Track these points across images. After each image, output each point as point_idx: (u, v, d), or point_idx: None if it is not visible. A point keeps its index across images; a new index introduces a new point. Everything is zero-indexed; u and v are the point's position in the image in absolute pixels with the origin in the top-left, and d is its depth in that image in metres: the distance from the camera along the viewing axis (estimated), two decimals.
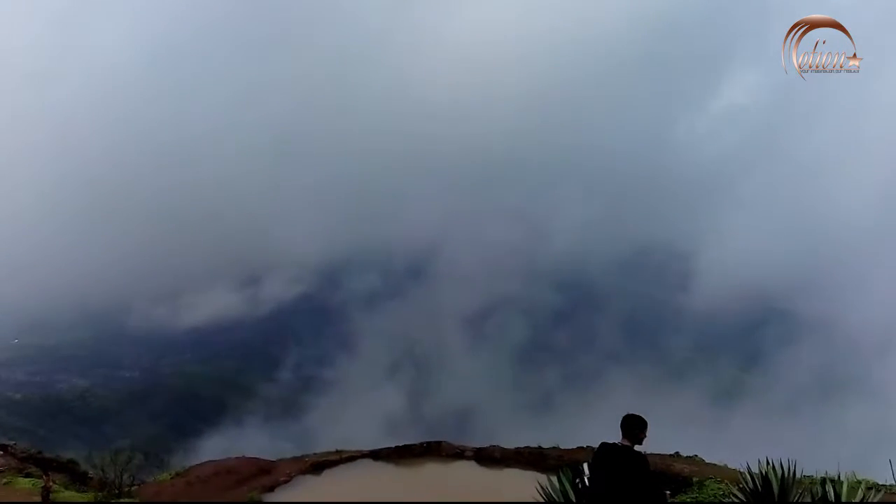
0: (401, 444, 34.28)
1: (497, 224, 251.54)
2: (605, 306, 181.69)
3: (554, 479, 11.61)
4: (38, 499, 28.11)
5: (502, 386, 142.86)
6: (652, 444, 9.62)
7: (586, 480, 10.10)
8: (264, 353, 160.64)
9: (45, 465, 35.55)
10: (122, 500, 27.03)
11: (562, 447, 32.29)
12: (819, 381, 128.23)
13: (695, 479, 24.16)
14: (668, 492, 9.64)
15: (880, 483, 16.13)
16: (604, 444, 9.13)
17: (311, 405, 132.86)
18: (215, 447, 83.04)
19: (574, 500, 10.94)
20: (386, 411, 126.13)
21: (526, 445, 33.15)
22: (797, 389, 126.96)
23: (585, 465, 9.75)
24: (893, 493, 12.94)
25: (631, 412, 9.26)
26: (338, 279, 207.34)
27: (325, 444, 40.18)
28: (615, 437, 9.19)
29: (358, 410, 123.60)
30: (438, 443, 34.36)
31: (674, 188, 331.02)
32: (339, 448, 35.83)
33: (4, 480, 28.78)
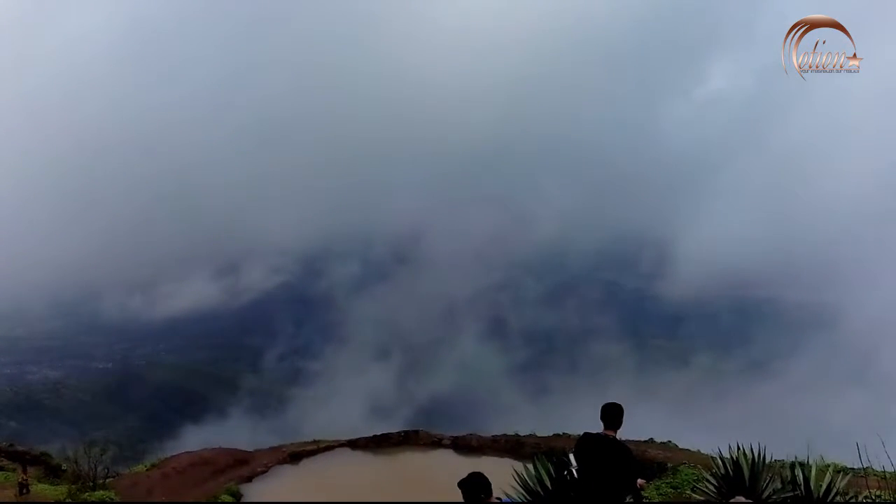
0: (379, 434, 34.38)
1: (480, 212, 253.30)
2: (585, 293, 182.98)
3: (530, 466, 11.71)
4: (11, 492, 27.86)
5: (485, 372, 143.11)
6: (628, 431, 9.68)
7: (574, 472, 10.14)
8: (242, 342, 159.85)
9: (18, 459, 35.16)
10: (96, 494, 26.78)
11: (538, 434, 32.55)
12: (798, 367, 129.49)
13: (669, 465, 24.50)
14: (642, 480, 9.68)
15: (848, 467, 16.43)
16: (588, 435, 9.14)
17: (292, 396, 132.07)
18: (193, 439, 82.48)
19: (550, 488, 11.05)
20: (369, 399, 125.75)
21: (503, 433, 33.37)
22: (774, 375, 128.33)
23: (571, 456, 9.71)
24: (861, 476, 13.23)
25: (610, 402, 9.28)
26: (319, 267, 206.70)
27: (309, 434, 40.11)
28: (595, 421, 9.21)
29: (341, 400, 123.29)
30: (416, 431, 34.51)
31: (656, 176, 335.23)
32: (316, 438, 35.81)
33: None
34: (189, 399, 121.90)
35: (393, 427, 35.85)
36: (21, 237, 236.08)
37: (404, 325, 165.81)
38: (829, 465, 13.05)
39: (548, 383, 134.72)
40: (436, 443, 33.40)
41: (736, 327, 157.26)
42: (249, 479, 29.69)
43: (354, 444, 33.64)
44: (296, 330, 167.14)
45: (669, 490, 21.00)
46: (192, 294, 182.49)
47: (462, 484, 7.79)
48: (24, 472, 29.07)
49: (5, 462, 35.73)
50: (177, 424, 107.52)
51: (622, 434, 9.23)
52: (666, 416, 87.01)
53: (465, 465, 30.94)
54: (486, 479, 7.81)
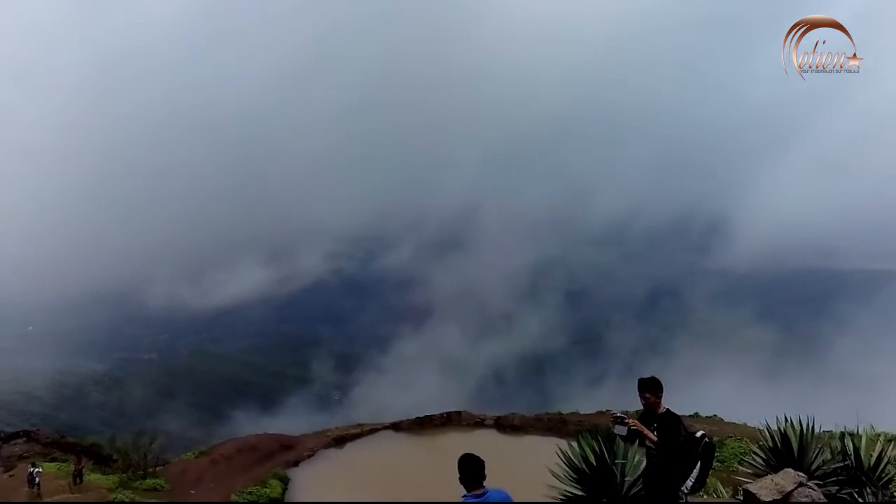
0: (421, 416, 34.59)
1: (547, 185, 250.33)
2: (645, 268, 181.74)
3: (573, 443, 11.65)
4: (65, 482, 28.62)
5: (544, 348, 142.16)
6: (679, 406, 9.47)
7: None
8: (287, 330, 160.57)
9: (70, 450, 36.13)
10: (146, 482, 27.38)
11: (581, 412, 32.51)
12: (859, 338, 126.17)
13: (715, 439, 24.28)
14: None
15: None
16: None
17: (342, 382, 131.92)
18: (244, 427, 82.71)
19: (595, 465, 11.01)
20: (427, 381, 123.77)
21: (545, 411, 33.40)
22: (833, 347, 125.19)
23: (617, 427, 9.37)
24: None
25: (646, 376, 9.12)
26: (372, 251, 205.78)
27: (360, 419, 40.31)
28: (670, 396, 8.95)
29: (395, 384, 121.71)
30: (458, 412, 34.68)
31: (729, 148, 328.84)
32: (360, 422, 36.18)
33: (29, 465, 29.21)
34: (236, 387, 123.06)
35: (448, 410, 35.61)
36: (62, 232, 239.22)
37: (461, 306, 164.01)
38: (879, 435, 12.81)
39: (606, 358, 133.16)
40: (478, 423, 33.58)
41: (796, 300, 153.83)
42: (296, 464, 30.13)
43: (398, 427, 33.92)
44: (346, 315, 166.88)
45: (716, 464, 20.84)
46: (242, 283, 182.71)
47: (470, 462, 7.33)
48: (79, 462, 29.85)
49: (58, 454, 36.73)
50: (224, 413, 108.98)
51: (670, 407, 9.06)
52: (728, 391, 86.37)
53: (508, 444, 31.10)
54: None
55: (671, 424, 8.57)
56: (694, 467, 8.56)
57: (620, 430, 8.74)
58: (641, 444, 8.97)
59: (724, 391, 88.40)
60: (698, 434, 8.70)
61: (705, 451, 8.63)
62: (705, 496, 9.62)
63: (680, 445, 8.52)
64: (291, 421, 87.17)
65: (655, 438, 8.54)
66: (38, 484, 27.54)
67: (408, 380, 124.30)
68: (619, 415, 8.80)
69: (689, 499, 8.76)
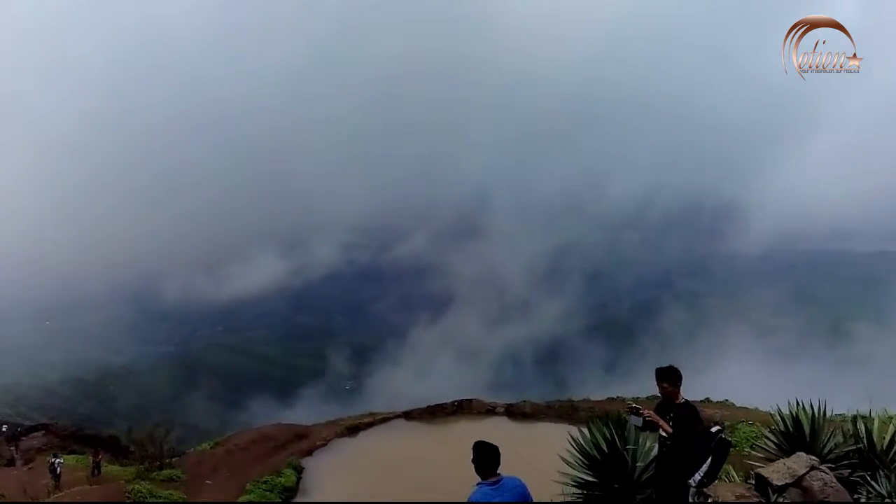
0: (433, 404, 34.75)
1: (562, 170, 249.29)
2: (660, 252, 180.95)
3: (586, 430, 11.66)
4: (84, 473, 28.98)
5: (558, 335, 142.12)
6: (691, 391, 9.41)
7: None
8: (300, 321, 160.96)
9: (88, 442, 36.58)
10: (163, 472, 27.66)
11: (592, 399, 32.56)
12: (876, 321, 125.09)
13: (726, 423, 24.26)
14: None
15: None
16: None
17: (355, 372, 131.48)
18: (258, 417, 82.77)
19: (606, 451, 11.03)
20: (441, 370, 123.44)
21: (556, 399, 33.47)
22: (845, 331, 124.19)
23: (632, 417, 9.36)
24: None
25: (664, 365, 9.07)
26: (386, 241, 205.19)
27: (373, 408, 40.50)
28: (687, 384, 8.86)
29: (409, 374, 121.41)
30: (470, 400, 34.81)
31: (748, 136, 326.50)
32: (372, 411, 36.38)
33: (49, 457, 29.59)
34: (252, 379, 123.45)
35: (460, 398, 35.72)
36: (77, 226, 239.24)
37: (476, 294, 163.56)
38: (891, 418, 12.76)
39: (622, 343, 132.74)
40: (490, 410, 33.70)
41: (811, 283, 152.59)
42: (310, 453, 30.38)
43: (409, 415, 34.11)
44: (361, 306, 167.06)
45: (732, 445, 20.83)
46: (252, 275, 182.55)
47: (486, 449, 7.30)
48: (97, 454, 30.22)
49: (76, 446, 37.21)
50: (240, 404, 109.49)
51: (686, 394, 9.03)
52: (742, 375, 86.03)
53: (520, 432, 31.19)
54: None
55: (687, 417, 8.49)
56: (705, 462, 8.45)
57: (636, 420, 8.71)
58: (655, 432, 8.95)
59: (738, 375, 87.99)
60: (714, 429, 8.61)
61: (718, 446, 8.48)
62: (717, 481, 9.61)
63: (693, 438, 8.47)
64: (307, 411, 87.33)
65: (670, 430, 8.50)
66: (59, 475, 27.94)
67: (423, 368, 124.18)
68: (633, 405, 8.79)
69: (698, 490, 8.72)
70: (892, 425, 11.23)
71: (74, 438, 39.05)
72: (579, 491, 11.25)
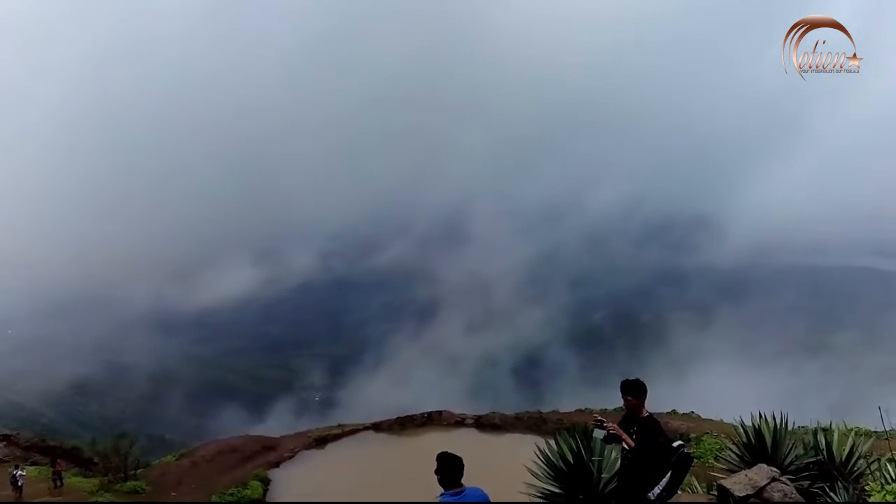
0: (402, 415, 34.67)
1: (545, 180, 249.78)
2: (639, 263, 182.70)
3: (552, 441, 11.73)
4: (46, 485, 28.42)
5: (537, 346, 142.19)
6: (656, 404, 9.51)
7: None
8: (268, 331, 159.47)
9: (50, 453, 35.82)
10: (126, 484, 27.27)
11: (561, 410, 32.70)
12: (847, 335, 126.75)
13: (692, 435, 24.52)
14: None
15: (871, 430, 16.38)
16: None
17: (325, 383, 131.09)
18: (225, 429, 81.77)
19: (572, 463, 11.10)
20: (407, 386, 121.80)
21: (525, 410, 33.58)
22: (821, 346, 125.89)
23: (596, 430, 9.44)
24: (884, 439, 13.21)
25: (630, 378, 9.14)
26: (364, 250, 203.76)
27: (347, 419, 40.25)
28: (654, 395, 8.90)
29: (382, 384, 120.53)
30: (440, 412, 34.79)
31: (732, 147, 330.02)
32: (341, 422, 36.18)
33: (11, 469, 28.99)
34: (220, 391, 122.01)
35: (430, 410, 35.59)
36: (44, 232, 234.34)
37: (455, 303, 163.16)
38: (851, 430, 13.02)
39: (599, 354, 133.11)
40: (459, 422, 33.70)
41: (781, 298, 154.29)
42: (277, 465, 30.14)
43: (378, 427, 34.00)
44: (336, 315, 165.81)
45: (693, 460, 21.05)
46: (230, 285, 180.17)
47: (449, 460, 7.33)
48: (56, 464, 29.65)
49: (38, 457, 36.43)
50: (209, 415, 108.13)
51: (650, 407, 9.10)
52: (712, 387, 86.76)
53: (488, 443, 31.23)
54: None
55: (649, 430, 8.52)
56: (665, 475, 8.47)
57: (599, 433, 8.78)
58: (619, 444, 9.01)
59: (707, 387, 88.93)
60: (675, 444, 8.65)
61: (680, 460, 8.52)
62: (680, 492, 9.69)
63: (653, 452, 8.51)
64: (277, 423, 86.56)
65: (633, 444, 8.54)
66: (21, 487, 27.36)
67: (399, 378, 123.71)
68: (598, 418, 8.86)
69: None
70: (850, 437, 11.45)
71: (36, 449, 38.16)
72: (544, 502, 11.31)
